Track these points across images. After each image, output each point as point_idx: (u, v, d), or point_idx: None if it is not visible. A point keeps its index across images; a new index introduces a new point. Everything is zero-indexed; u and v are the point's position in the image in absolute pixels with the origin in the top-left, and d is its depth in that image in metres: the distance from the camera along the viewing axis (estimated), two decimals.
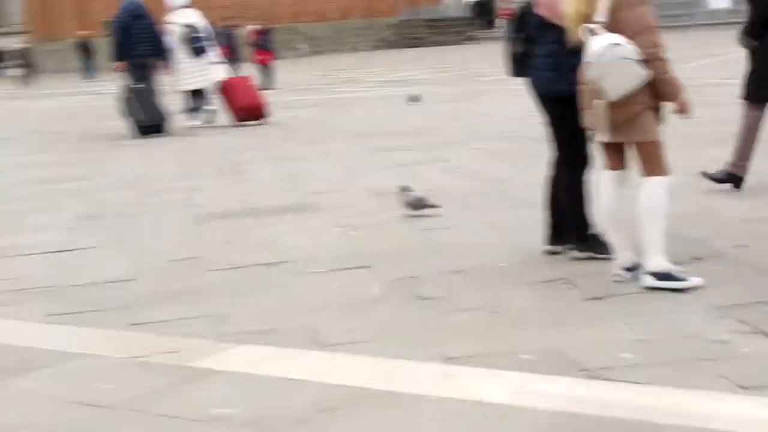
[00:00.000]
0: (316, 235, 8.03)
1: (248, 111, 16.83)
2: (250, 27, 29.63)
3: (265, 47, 28.65)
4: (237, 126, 17.15)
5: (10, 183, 12.21)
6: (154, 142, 16.01)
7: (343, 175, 11.22)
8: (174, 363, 5.04)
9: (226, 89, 16.96)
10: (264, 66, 28.06)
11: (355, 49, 55.33)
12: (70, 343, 5.55)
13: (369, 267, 6.75)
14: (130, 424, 4.27)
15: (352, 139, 14.59)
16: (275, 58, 29.39)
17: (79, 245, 8.21)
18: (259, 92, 18.05)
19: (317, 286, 6.43)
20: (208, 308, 6.04)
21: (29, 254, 8.01)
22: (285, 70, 29.08)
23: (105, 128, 17.95)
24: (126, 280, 6.93)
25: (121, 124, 16.88)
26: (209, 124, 17.73)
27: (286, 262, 7.12)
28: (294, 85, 27.34)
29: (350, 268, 6.78)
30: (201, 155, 14.20)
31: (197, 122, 17.66)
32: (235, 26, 30.90)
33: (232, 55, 28.59)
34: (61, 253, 7.96)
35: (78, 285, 6.87)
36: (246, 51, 29.99)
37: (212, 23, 33.73)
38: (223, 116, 17.68)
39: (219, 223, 8.91)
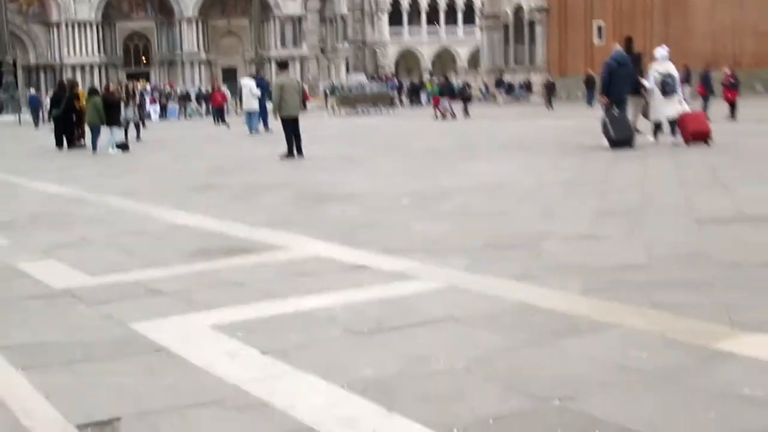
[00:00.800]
0: None
1: (695, 135, 16.79)
2: (725, 70, 28.08)
3: (731, 87, 27.09)
4: (686, 146, 16.85)
5: (541, 182, 12.12)
6: (626, 155, 15.67)
7: None
8: (694, 342, 4.56)
9: (683, 120, 17.10)
10: (731, 102, 26.48)
11: None
12: (602, 314, 5.23)
13: None
14: (661, 394, 3.88)
15: None
16: (738, 96, 27.64)
17: (599, 234, 7.88)
18: (705, 121, 17.69)
19: None
20: (718, 297, 5.46)
21: (559, 239, 7.80)
22: (744, 105, 27.26)
23: (594, 142, 17.80)
24: (642, 266, 6.49)
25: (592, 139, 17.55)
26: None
27: None
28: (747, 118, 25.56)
29: None
30: (681, 168, 13.47)
31: (653, 140, 17.81)
32: (711, 69, 29.35)
33: (705, 93, 27.33)
34: (585, 240, 7.67)
35: (603, 266, 6.53)
36: (718, 89, 28.38)
37: (692, 67, 32.78)
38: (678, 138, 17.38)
39: (719, 227, 8.18)
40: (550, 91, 45.47)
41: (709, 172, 12.71)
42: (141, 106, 31.41)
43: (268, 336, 5.08)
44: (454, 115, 36.34)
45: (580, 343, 4.70)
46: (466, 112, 38.26)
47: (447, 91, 39.57)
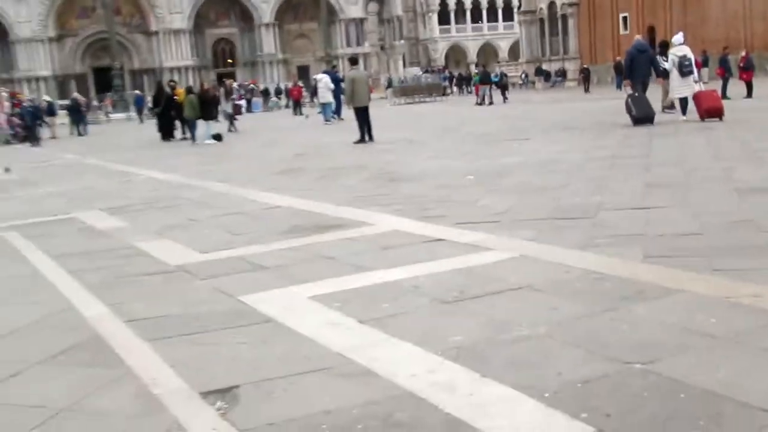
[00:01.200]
0: None
1: (709, 112, 16.36)
2: (741, 53, 27.07)
3: (747, 68, 26.16)
4: (702, 122, 16.30)
5: (589, 158, 11.70)
6: (660, 131, 15.06)
7: None
8: (760, 306, 4.23)
9: (697, 97, 16.71)
10: (747, 82, 25.59)
11: None
12: (666, 280, 4.90)
13: None
14: (735, 356, 3.58)
15: None
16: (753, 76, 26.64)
17: (650, 205, 7.49)
18: (719, 99, 17.33)
19: None
20: None
21: (614, 209, 7.44)
22: (759, 85, 26.26)
23: (621, 120, 17.39)
24: (696, 234, 6.13)
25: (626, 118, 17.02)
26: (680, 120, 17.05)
27: None
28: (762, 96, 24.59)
29: None
30: (712, 142, 12.92)
31: (680, 117, 17.35)
32: (728, 53, 28.31)
33: (724, 74, 26.43)
34: (637, 210, 7.29)
35: (659, 235, 6.18)
36: (735, 70, 27.38)
37: (708, 52, 31.78)
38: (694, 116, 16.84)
39: (759, 196, 7.69)
40: (586, 76, 44.91)
41: (739, 146, 12.17)
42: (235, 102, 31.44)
43: (362, 306, 4.87)
44: (491, 101, 36.11)
45: (649, 308, 4.40)
46: (504, 97, 38.27)
47: (486, 79, 39.17)
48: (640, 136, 14.55)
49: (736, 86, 25.42)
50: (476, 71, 48.07)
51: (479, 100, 36.89)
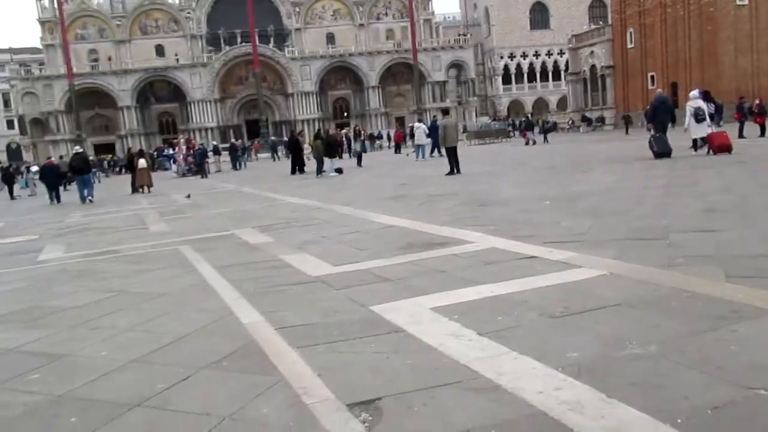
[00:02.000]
0: None
1: (720, 147, 16.03)
2: (755, 100, 25.08)
3: (760, 113, 24.24)
4: (713, 156, 15.73)
5: (644, 186, 10.64)
6: (697, 163, 13.60)
7: None
8: None
9: (711, 137, 16.40)
10: (761, 124, 23.72)
11: None
12: (757, 300, 4.02)
13: None
14: None
15: None
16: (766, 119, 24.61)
17: (715, 228, 6.47)
18: (728, 138, 16.58)
19: None
20: None
21: (682, 231, 6.44)
22: None
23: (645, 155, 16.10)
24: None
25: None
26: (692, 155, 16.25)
27: None
28: None
29: None
30: (748, 173, 11.62)
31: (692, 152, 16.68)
32: (744, 101, 26.29)
33: (740, 118, 24.55)
34: (705, 233, 6.27)
35: (733, 256, 5.19)
36: (750, 115, 25.37)
37: (724, 101, 29.70)
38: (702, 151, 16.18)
39: None
40: (627, 121, 43.33)
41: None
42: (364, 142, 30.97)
43: (478, 318, 4.17)
44: (534, 142, 35.63)
45: (750, 328, 3.55)
46: (545, 139, 37.69)
47: (529, 126, 40.33)
48: (682, 167, 13.32)
49: (751, 129, 23.60)
50: (522, 120, 47.56)
51: (526, 142, 36.84)
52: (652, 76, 51.65)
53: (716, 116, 19.14)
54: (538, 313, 4.19)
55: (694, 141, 16.73)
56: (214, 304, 5.12)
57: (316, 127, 64.01)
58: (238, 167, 35.27)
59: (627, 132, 40.34)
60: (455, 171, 16.78)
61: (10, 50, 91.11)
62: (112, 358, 3.97)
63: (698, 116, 16.37)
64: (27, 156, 71.23)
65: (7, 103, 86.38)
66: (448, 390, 3.09)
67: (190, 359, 3.81)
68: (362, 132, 37.77)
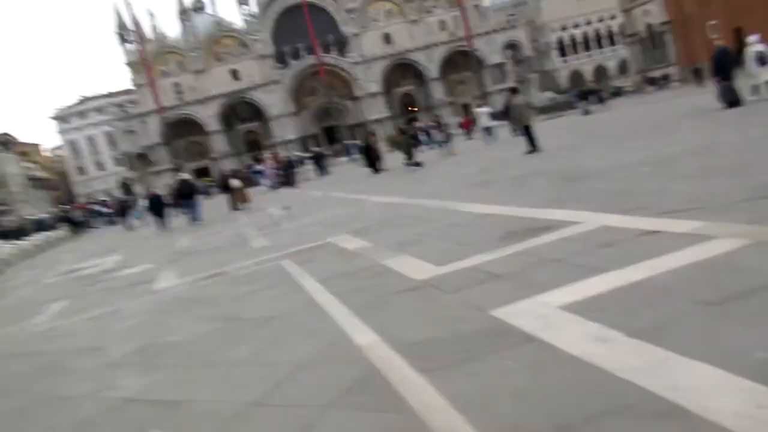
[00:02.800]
0: None
1: None
2: None
3: None
4: None
5: (743, 139, 9.42)
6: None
7: None
8: None
9: None
10: None
11: None
12: None
13: None
14: None
15: None
16: None
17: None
18: None
19: None
20: None
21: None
22: None
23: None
24: None
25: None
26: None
27: None
28: None
29: None
30: None
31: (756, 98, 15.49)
32: None
33: None
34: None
35: None
36: None
37: None
38: None
39: None
40: (697, 73, 40.93)
41: None
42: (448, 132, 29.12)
43: (620, 314, 3.43)
44: (590, 112, 34.67)
45: None
46: (603, 105, 37.28)
47: (583, 96, 40.02)
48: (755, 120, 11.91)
49: None
50: (574, 92, 46.15)
51: (582, 112, 35.97)
52: (713, 24, 48.12)
53: None
54: (689, 301, 3.41)
55: (754, 87, 15.64)
56: (324, 325, 4.61)
57: (388, 127, 63.64)
58: (323, 173, 35.22)
59: (701, 83, 37.77)
60: (534, 149, 15.79)
61: (109, 95, 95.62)
62: (229, 402, 3.51)
63: (759, 59, 15.52)
64: (137, 189, 74.45)
65: (112, 143, 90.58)
66: (620, 420, 2.41)
67: (310, 397, 3.29)
68: (440, 123, 36.74)
